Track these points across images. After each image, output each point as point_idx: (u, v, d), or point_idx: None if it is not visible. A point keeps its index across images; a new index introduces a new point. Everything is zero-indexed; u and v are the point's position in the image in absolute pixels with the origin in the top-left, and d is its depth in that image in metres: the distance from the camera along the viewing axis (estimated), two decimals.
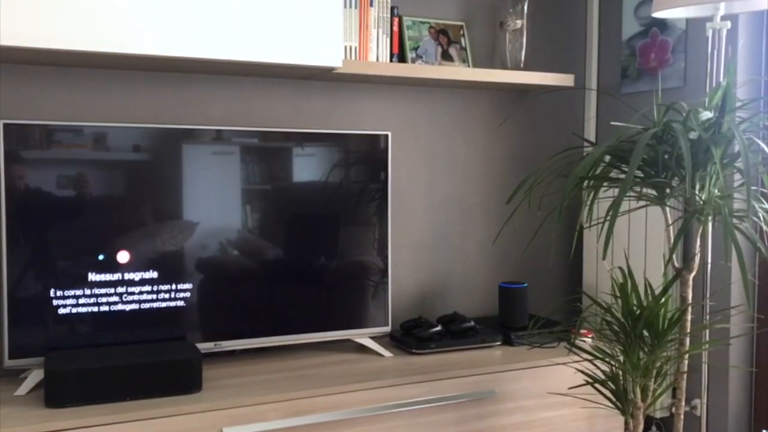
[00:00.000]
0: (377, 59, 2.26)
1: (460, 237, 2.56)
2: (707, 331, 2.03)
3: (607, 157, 1.75)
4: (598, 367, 1.90)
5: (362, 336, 2.19)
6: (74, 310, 1.87)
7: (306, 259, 2.12)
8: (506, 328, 2.33)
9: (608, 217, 1.52)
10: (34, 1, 1.68)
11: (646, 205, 1.81)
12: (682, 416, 1.82)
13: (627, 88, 2.57)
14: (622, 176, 1.72)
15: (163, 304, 1.96)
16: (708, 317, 2.09)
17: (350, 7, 2.19)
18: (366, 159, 2.18)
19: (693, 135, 1.61)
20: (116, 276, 1.91)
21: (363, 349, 2.20)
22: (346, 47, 2.19)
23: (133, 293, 1.92)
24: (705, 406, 2.14)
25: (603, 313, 1.80)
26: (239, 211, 2.03)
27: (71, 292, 1.86)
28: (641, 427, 1.79)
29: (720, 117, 1.62)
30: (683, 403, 1.81)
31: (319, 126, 2.33)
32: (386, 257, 2.21)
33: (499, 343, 2.27)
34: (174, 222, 1.96)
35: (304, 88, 2.31)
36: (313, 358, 2.13)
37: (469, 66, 2.46)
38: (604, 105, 2.68)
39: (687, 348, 1.76)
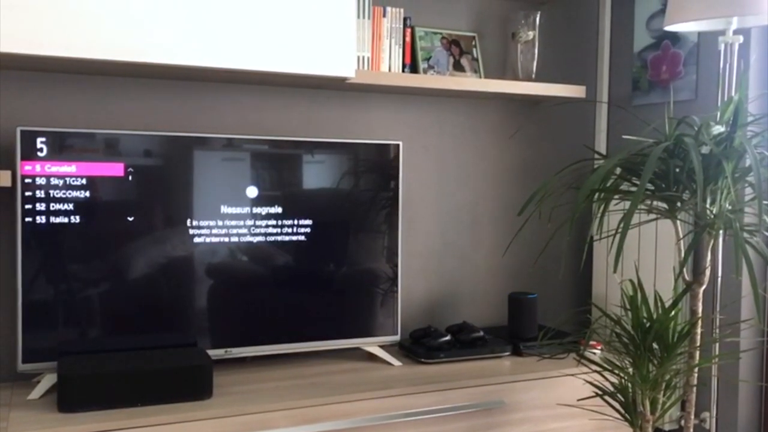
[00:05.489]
0: (389, 69, 2.27)
1: (470, 246, 2.57)
2: (717, 344, 2.03)
3: (618, 170, 1.75)
4: (608, 379, 1.90)
5: (371, 344, 2.20)
6: (87, 316, 1.88)
7: (316, 266, 2.13)
8: (515, 339, 2.33)
9: (619, 230, 1.52)
10: (50, 9, 1.70)
11: (656, 218, 1.82)
12: (691, 429, 1.82)
13: (638, 101, 2.57)
14: (633, 189, 1.73)
15: (175, 310, 1.97)
16: (718, 331, 2.08)
17: (363, 17, 2.21)
18: (377, 168, 2.19)
19: (704, 149, 1.62)
20: (128, 281, 1.92)
21: (372, 357, 2.21)
22: (358, 57, 2.21)
23: (145, 299, 1.94)
24: (714, 419, 2.13)
25: (613, 325, 1.80)
26: (250, 217, 2.05)
27: (84, 297, 1.88)
28: None
29: (732, 131, 1.62)
30: (692, 416, 1.81)
31: (332, 135, 2.35)
32: (396, 266, 2.22)
33: (508, 353, 2.27)
34: (184, 228, 1.98)
35: (317, 97, 2.32)
36: (323, 366, 2.13)
37: (480, 76, 2.47)
38: (615, 117, 2.68)
39: (697, 361, 1.76)
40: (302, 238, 2.11)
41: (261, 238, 2.06)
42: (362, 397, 1.88)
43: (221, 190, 2.01)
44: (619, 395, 1.82)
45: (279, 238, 2.08)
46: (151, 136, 1.93)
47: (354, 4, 2.03)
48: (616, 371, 1.81)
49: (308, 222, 2.11)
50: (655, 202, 1.76)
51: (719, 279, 2.06)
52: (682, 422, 2.21)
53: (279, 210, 2.08)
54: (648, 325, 1.74)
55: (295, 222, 2.10)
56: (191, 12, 1.84)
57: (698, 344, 1.75)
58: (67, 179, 1.85)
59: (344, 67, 2.02)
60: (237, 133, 2.20)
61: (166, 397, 1.75)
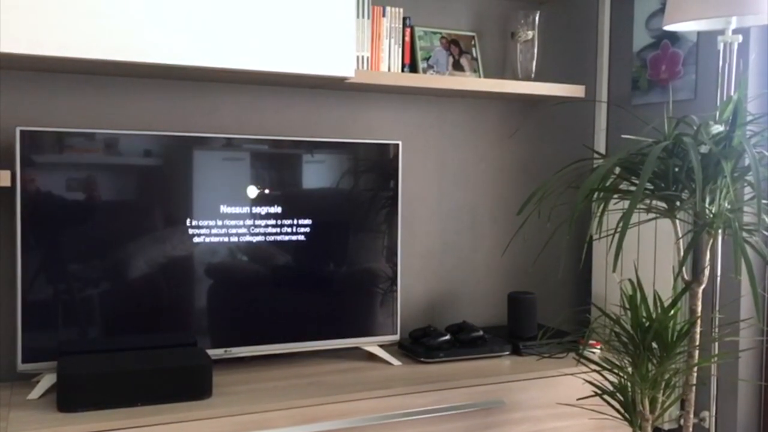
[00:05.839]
0: (389, 69, 2.27)
1: (469, 246, 2.57)
2: (716, 343, 2.03)
3: (618, 169, 1.76)
4: (607, 379, 1.90)
5: (371, 344, 2.20)
6: (87, 315, 1.88)
7: (316, 266, 2.13)
8: (515, 338, 2.33)
9: (618, 229, 1.52)
10: (50, 9, 1.70)
11: (656, 218, 1.82)
12: (690, 428, 1.82)
13: (637, 100, 2.57)
14: (633, 188, 1.73)
15: (175, 310, 1.97)
16: (717, 330, 2.09)
17: (363, 17, 2.21)
18: (377, 167, 2.19)
19: (704, 148, 1.62)
20: (128, 281, 1.92)
21: (372, 357, 2.21)
22: (358, 57, 2.21)
23: (145, 299, 1.94)
24: (713, 418, 2.14)
25: (612, 325, 1.80)
26: (250, 217, 2.05)
27: (84, 297, 1.88)
28: None
29: (731, 131, 1.62)
30: (692, 416, 1.81)
31: (331, 135, 2.35)
32: (396, 265, 2.22)
33: (507, 352, 2.27)
34: (184, 228, 1.98)
35: (317, 97, 2.33)
36: (322, 365, 2.14)
37: (480, 76, 2.48)
38: (614, 116, 2.69)
39: (696, 360, 1.76)
40: (302, 237, 2.11)
41: (261, 238, 2.06)
42: (362, 397, 1.88)
43: (221, 190, 2.01)
44: (618, 394, 1.82)
45: (279, 237, 2.08)
46: (151, 136, 1.93)
47: (353, 4, 2.03)
48: (616, 370, 1.81)
49: (308, 222, 2.11)
50: (654, 202, 1.76)
51: (718, 278, 2.06)
52: (682, 421, 2.21)
53: (279, 210, 2.08)
54: (647, 324, 1.74)
55: (295, 222, 2.10)
56: (191, 12, 1.84)
57: (697, 343, 1.75)
58: (66, 179, 1.85)
59: (344, 67, 2.02)
60: (237, 133, 2.21)
61: (165, 396, 1.76)
